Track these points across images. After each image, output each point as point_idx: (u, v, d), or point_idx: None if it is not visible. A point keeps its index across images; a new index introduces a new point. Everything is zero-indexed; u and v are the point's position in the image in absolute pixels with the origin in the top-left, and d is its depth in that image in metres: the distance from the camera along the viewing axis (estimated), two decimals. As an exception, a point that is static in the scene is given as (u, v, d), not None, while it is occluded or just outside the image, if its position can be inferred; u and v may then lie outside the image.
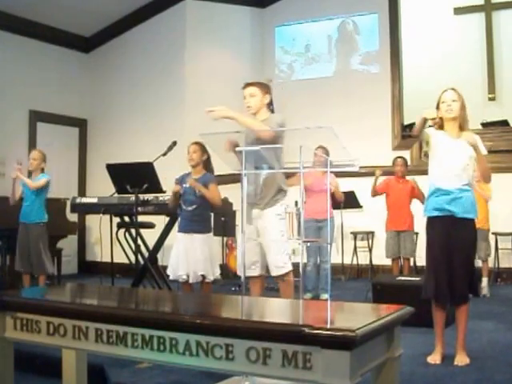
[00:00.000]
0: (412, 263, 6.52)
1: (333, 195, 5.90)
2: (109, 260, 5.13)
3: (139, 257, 5.03)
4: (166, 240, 5.26)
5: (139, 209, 4.81)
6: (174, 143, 4.97)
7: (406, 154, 7.34)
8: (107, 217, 5.10)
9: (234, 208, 6.79)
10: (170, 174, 4.60)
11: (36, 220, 5.31)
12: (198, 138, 3.81)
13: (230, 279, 6.97)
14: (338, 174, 5.79)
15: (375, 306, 3.17)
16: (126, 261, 5.51)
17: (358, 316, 2.27)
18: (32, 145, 7.62)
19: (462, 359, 3.42)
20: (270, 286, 5.36)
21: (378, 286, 4.72)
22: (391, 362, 2.15)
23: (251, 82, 3.80)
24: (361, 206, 7.25)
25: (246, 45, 8.75)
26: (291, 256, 3.77)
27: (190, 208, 4.48)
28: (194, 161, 4.55)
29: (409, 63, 8.27)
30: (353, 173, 3.99)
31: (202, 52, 8.01)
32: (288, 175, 3.91)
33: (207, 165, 4.60)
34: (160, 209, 5.00)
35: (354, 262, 7.75)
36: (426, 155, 3.58)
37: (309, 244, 5.20)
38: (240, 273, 3.48)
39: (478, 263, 5.79)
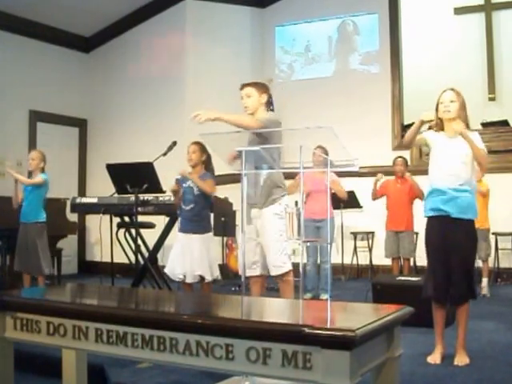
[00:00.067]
0: (412, 263, 6.52)
1: (334, 195, 5.91)
2: (109, 260, 5.14)
3: (139, 257, 5.03)
4: (166, 240, 5.26)
5: (139, 209, 4.81)
6: (174, 143, 4.97)
7: (406, 153, 7.33)
8: (107, 217, 5.10)
9: (234, 208, 6.79)
10: (170, 174, 4.60)
11: (34, 219, 5.29)
12: (197, 137, 3.81)
13: (230, 279, 6.97)
14: (338, 174, 5.79)
15: (375, 306, 3.17)
16: (126, 261, 5.52)
17: (358, 316, 2.27)
18: (32, 145, 7.62)
19: (461, 359, 3.42)
20: (270, 286, 5.36)
21: (378, 285, 4.72)
22: (391, 362, 2.15)
23: (247, 82, 3.83)
24: (361, 206, 7.25)
25: (246, 45, 8.75)
26: (291, 256, 3.77)
27: (188, 207, 4.50)
28: (193, 161, 4.56)
29: (409, 63, 8.27)
30: (353, 173, 3.98)
31: (202, 52, 8.00)
32: (287, 177, 3.92)
33: (207, 164, 4.60)
34: (160, 209, 5.01)
35: (354, 262, 7.75)
36: (428, 156, 3.58)
37: (309, 244, 5.20)
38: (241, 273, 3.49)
39: (478, 263, 5.79)
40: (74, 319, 2.27)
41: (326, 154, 3.76)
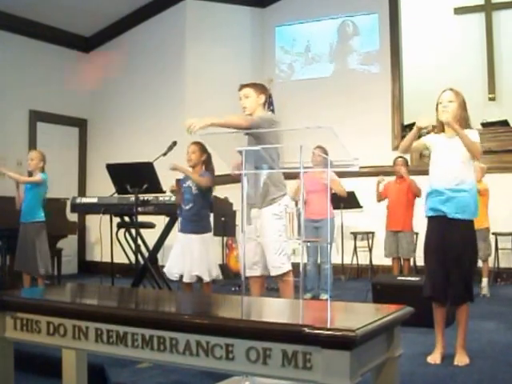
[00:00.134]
0: (412, 263, 6.52)
1: (334, 195, 5.90)
2: (109, 260, 5.14)
3: (139, 257, 5.03)
4: (166, 240, 5.26)
5: (139, 209, 4.81)
6: (174, 143, 4.97)
7: (406, 153, 7.33)
8: (107, 217, 5.10)
9: (234, 208, 6.80)
10: (170, 174, 4.60)
11: (32, 219, 5.28)
12: (197, 138, 3.82)
13: (230, 279, 6.97)
14: (338, 174, 5.80)
15: (375, 306, 3.17)
16: (126, 261, 5.52)
17: (358, 316, 2.27)
18: (32, 145, 7.62)
19: (461, 359, 3.42)
20: (270, 286, 5.36)
21: (378, 285, 4.72)
22: (391, 362, 2.15)
23: (246, 83, 3.86)
24: (361, 206, 7.25)
25: (246, 45, 8.75)
26: (291, 256, 3.77)
27: (187, 207, 4.52)
28: (192, 161, 4.57)
29: (409, 63, 8.27)
30: (353, 173, 3.99)
31: (202, 52, 8.00)
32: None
33: (207, 164, 4.61)
34: (160, 209, 5.01)
35: (354, 262, 7.75)
36: (429, 158, 3.59)
37: (309, 244, 5.20)
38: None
39: (478, 263, 5.78)
40: (74, 319, 2.27)
41: (326, 154, 3.77)
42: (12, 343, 2.54)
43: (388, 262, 6.59)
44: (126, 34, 8.49)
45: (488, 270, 6.27)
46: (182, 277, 4.46)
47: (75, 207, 5.42)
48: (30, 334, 2.40)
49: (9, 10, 7.44)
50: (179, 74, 7.91)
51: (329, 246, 4.68)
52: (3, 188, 6.17)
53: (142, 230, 5.22)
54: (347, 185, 6.52)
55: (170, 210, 4.98)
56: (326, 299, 5.20)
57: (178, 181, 4.61)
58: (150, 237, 5.37)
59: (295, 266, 3.57)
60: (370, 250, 7.65)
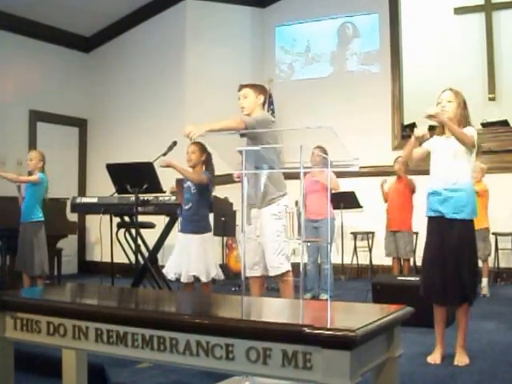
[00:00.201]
0: (412, 263, 6.52)
1: (334, 195, 5.90)
2: (109, 260, 5.13)
3: (139, 257, 5.03)
4: (166, 240, 5.26)
5: (139, 209, 4.81)
6: (174, 143, 4.96)
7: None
8: (107, 217, 5.10)
9: (234, 208, 6.79)
10: (170, 174, 4.60)
11: (30, 219, 5.28)
12: (197, 138, 3.82)
13: (230, 279, 6.96)
14: (338, 174, 5.79)
15: (375, 306, 3.17)
16: (126, 261, 5.52)
17: (358, 316, 2.27)
18: (32, 145, 7.62)
19: (461, 359, 3.42)
20: (271, 286, 5.36)
21: (378, 285, 4.72)
22: (391, 362, 2.15)
23: (245, 83, 3.88)
24: (361, 206, 7.25)
25: (247, 45, 8.75)
26: (291, 256, 3.77)
27: (187, 207, 4.52)
28: (192, 161, 4.56)
29: (409, 63, 8.27)
30: (353, 173, 3.98)
31: (202, 52, 8.00)
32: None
33: (207, 164, 4.60)
34: (160, 209, 5.01)
35: (354, 262, 7.75)
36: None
37: (309, 244, 5.20)
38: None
39: (478, 263, 5.79)
40: (74, 319, 2.27)
41: (326, 154, 3.77)
42: (12, 343, 2.53)
43: (388, 262, 6.59)
44: (125, 33, 8.49)
45: (488, 270, 6.27)
46: (179, 276, 4.45)
47: (75, 207, 5.42)
48: (30, 334, 2.39)
49: (9, 10, 7.44)
50: (179, 74, 7.91)
51: (329, 245, 4.67)
52: (3, 188, 6.17)
53: (142, 230, 5.21)
54: (347, 185, 6.53)
55: (170, 210, 4.98)
56: (326, 299, 5.20)
57: (178, 181, 4.61)
58: (150, 237, 5.37)
59: (295, 265, 3.57)
60: (370, 250, 7.65)
